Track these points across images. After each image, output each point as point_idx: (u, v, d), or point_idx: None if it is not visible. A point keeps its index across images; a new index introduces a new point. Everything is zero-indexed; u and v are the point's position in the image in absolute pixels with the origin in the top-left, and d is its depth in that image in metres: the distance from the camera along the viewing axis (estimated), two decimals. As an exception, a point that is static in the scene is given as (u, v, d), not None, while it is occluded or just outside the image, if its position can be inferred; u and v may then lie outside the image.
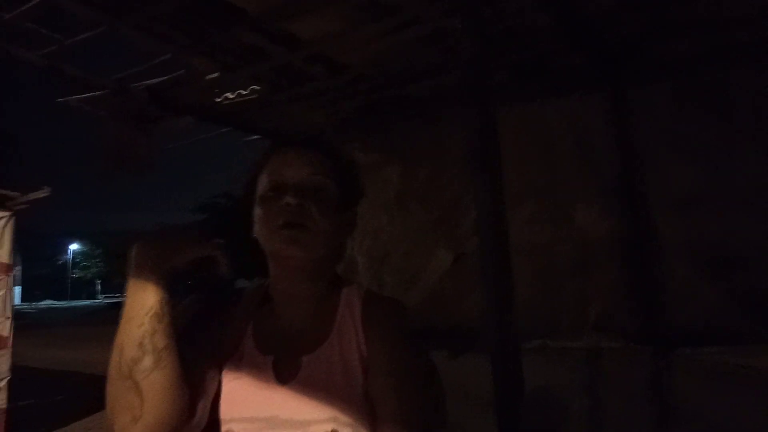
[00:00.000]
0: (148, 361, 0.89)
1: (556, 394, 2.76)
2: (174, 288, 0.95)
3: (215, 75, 2.92)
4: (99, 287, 54.80)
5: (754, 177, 2.59)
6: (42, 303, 43.44)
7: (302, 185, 1.04)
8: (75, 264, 58.30)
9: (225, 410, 0.99)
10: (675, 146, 2.75)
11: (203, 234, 1.01)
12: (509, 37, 2.59)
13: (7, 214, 4.95)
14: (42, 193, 5.19)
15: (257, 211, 1.06)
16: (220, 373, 1.01)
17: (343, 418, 0.94)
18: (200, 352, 0.99)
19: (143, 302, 0.91)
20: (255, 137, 3.88)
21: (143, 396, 0.88)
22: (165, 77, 2.98)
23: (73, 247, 59.24)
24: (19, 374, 5.01)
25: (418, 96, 3.30)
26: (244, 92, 3.22)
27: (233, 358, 1.03)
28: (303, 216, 1.01)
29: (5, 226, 4.93)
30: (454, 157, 3.21)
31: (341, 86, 3.13)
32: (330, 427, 0.94)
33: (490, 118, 1.91)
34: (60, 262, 60.50)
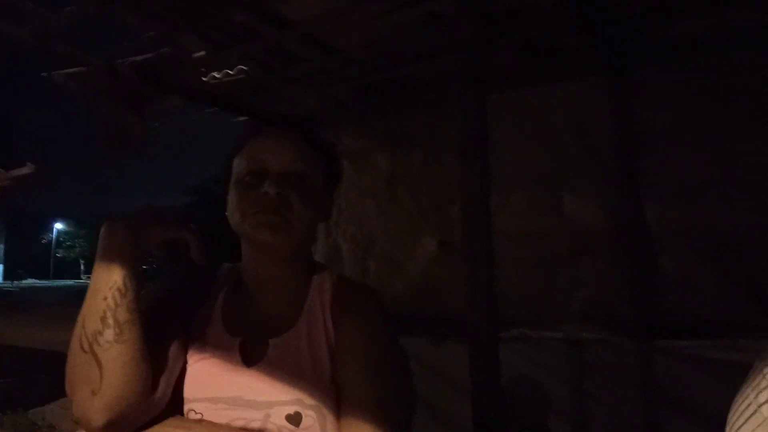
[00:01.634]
0: (109, 335, 0.88)
1: (537, 383, 2.79)
2: (143, 265, 0.96)
3: (202, 53, 2.87)
4: (83, 267, 54.34)
5: (758, 163, 2.55)
6: (25, 282, 43.05)
7: (284, 173, 1.02)
8: (59, 244, 57.76)
9: (188, 390, 0.99)
10: (677, 132, 2.73)
11: (176, 217, 1.01)
12: (509, 17, 2.54)
13: (-11, 190, 4.87)
14: (25, 170, 5.13)
15: (232, 194, 1.05)
16: (185, 352, 1.02)
17: (308, 400, 0.94)
18: (167, 329, 0.99)
19: (108, 277, 0.92)
20: (243, 119, 3.83)
21: (102, 369, 0.87)
22: (152, 54, 2.94)
23: (58, 226, 58.62)
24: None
25: (414, 80, 3.26)
26: (231, 72, 3.18)
27: (201, 338, 1.03)
28: (282, 205, 1.00)
29: (-13, 202, 4.85)
30: (447, 144, 3.18)
31: (333, 69, 3.09)
32: (293, 409, 0.94)
33: (481, 103, 1.90)
34: (44, 242, 59.85)
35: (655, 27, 2.70)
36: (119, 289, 0.90)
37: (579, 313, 2.84)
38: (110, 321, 0.89)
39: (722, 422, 0.80)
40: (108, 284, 0.91)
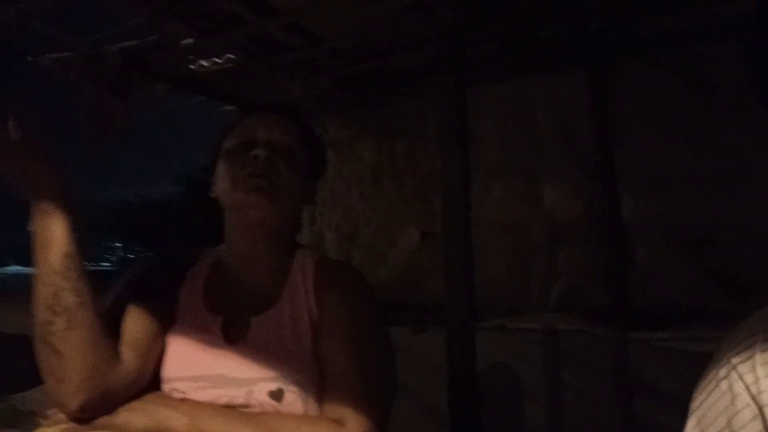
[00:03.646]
0: (60, 323, 0.86)
1: (514, 372, 2.83)
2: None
3: (190, 41, 2.86)
4: (70, 255, 53.77)
5: (730, 154, 2.58)
6: (9, 268, 42.60)
7: (273, 142, 1.04)
8: (45, 231, 57.10)
9: (170, 369, 1.00)
10: (653, 124, 2.76)
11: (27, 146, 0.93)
12: (490, 8, 2.55)
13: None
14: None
15: (221, 166, 1.06)
16: (166, 332, 1.02)
17: (290, 377, 0.95)
18: (148, 309, 1.00)
19: (44, 260, 0.89)
20: (231, 108, 3.82)
21: (61, 358, 0.86)
22: (138, 41, 2.92)
23: (44, 213, 57.94)
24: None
25: (398, 70, 3.26)
26: (220, 61, 3.16)
27: (181, 318, 1.04)
28: (270, 168, 1.01)
29: (-30, 187, 4.81)
30: (430, 134, 3.21)
31: (318, 58, 3.09)
32: (276, 385, 0.95)
33: (461, 93, 1.91)
34: (29, 228, 59.15)
35: (634, 20, 2.72)
36: (59, 272, 0.87)
37: (556, 303, 2.87)
38: (58, 308, 0.86)
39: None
40: (44, 268, 0.88)
